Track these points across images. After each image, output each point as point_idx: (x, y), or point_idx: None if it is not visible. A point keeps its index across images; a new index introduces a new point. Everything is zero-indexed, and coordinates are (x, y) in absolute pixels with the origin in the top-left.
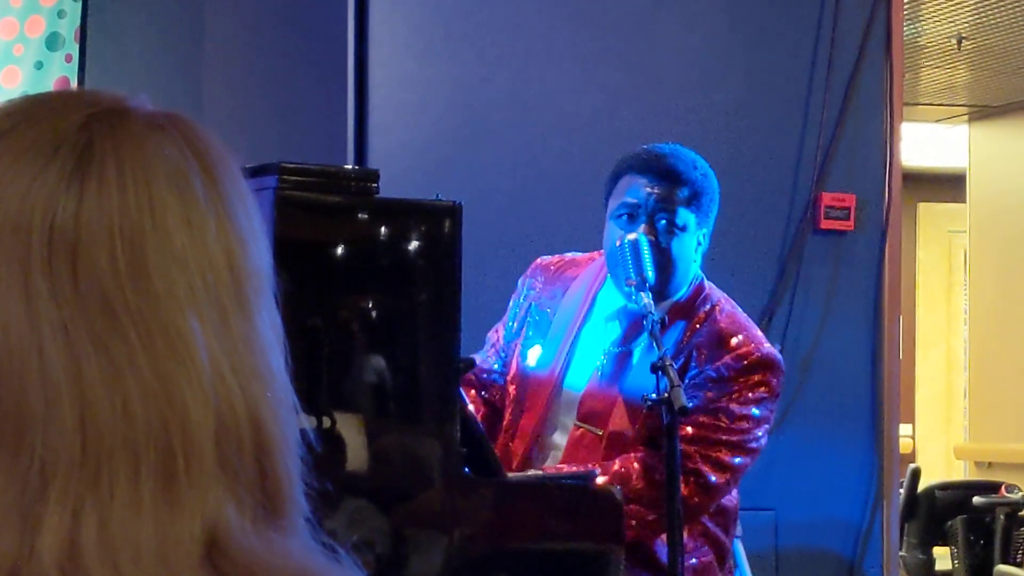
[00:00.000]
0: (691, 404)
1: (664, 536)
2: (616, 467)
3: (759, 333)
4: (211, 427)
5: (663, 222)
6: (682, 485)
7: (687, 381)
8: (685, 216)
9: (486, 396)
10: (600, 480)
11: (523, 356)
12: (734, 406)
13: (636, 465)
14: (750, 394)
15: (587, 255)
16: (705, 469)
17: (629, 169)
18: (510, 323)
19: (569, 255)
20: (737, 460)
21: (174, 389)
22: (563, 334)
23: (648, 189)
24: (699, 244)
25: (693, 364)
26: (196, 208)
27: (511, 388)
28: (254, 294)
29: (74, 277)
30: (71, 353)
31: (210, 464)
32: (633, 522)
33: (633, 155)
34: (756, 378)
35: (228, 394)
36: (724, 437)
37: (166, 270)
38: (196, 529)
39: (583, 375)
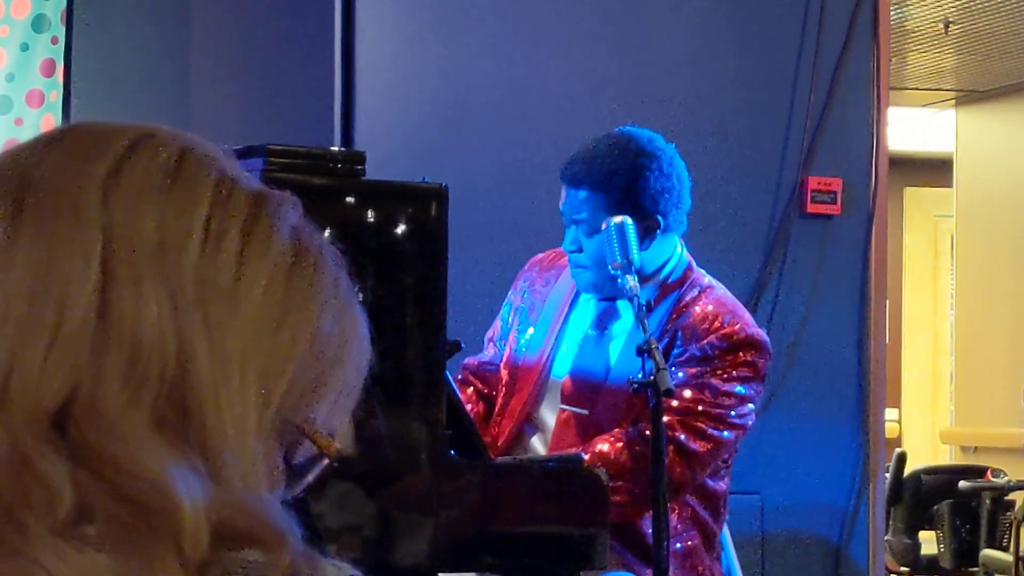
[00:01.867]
0: (674, 382)
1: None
2: (598, 447)
3: (747, 315)
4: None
5: (583, 228)
6: (685, 446)
7: (671, 360)
8: (591, 215)
9: (484, 391)
10: (584, 458)
11: (517, 341)
12: (716, 381)
13: (619, 444)
14: (734, 372)
15: None
16: (684, 437)
17: (560, 176)
18: (505, 315)
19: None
20: (717, 432)
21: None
22: (551, 318)
23: (565, 197)
24: (659, 228)
25: (678, 343)
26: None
27: (504, 373)
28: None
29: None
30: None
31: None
32: (618, 498)
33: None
34: (741, 357)
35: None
36: (705, 409)
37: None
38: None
39: (567, 358)
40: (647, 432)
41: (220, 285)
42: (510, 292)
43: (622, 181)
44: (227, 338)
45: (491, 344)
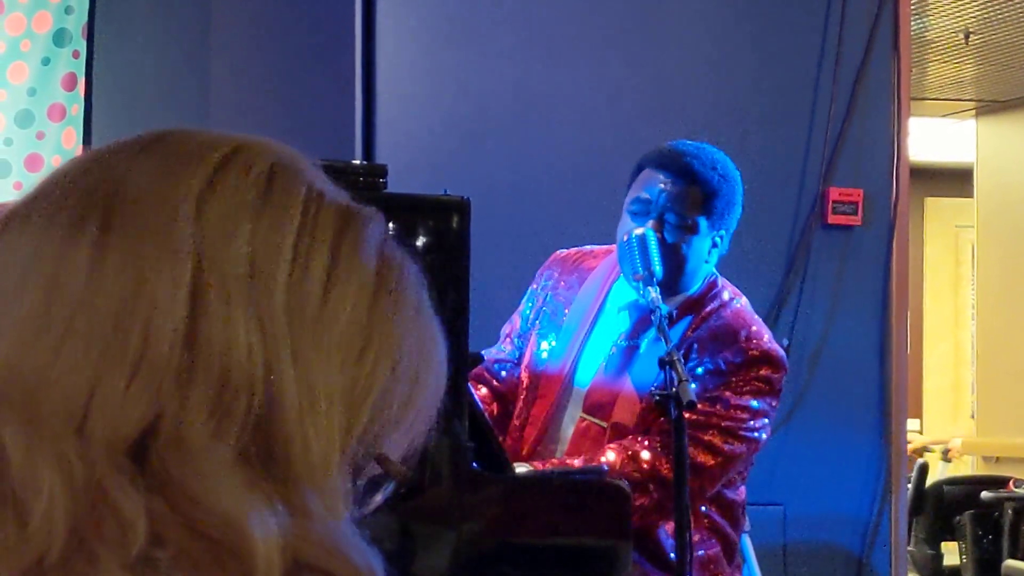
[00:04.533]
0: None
1: (668, 526)
2: (606, 456)
3: (764, 330)
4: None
5: (672, 220)
6: (671, 467)
7: (686, 371)
8: (695, 217)
9: (499, 389)
10: (606, 469)
11: (537, 346)
12: (729, 394)
13: (623, 456)
14: (747, 387)
15: (605, 247)
16: (693, 451)
17: (649, 163)
18: (526, 312)
19: (588, 247)
20: (728, 446)
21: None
22: (576, 326)
23: (662, 186)
24: (714, 245)
25: (694, 356)
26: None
27: (524, 376)
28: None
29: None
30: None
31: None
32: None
33: (657, 150)
34: (755, 372)
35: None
36: (716, 422)
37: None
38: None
39: (592, 367)
40: (656, 444)
41: (307, 310)
42: (532, 286)
43: (728, 196)
44: (313, 367)
45: (508, 339)
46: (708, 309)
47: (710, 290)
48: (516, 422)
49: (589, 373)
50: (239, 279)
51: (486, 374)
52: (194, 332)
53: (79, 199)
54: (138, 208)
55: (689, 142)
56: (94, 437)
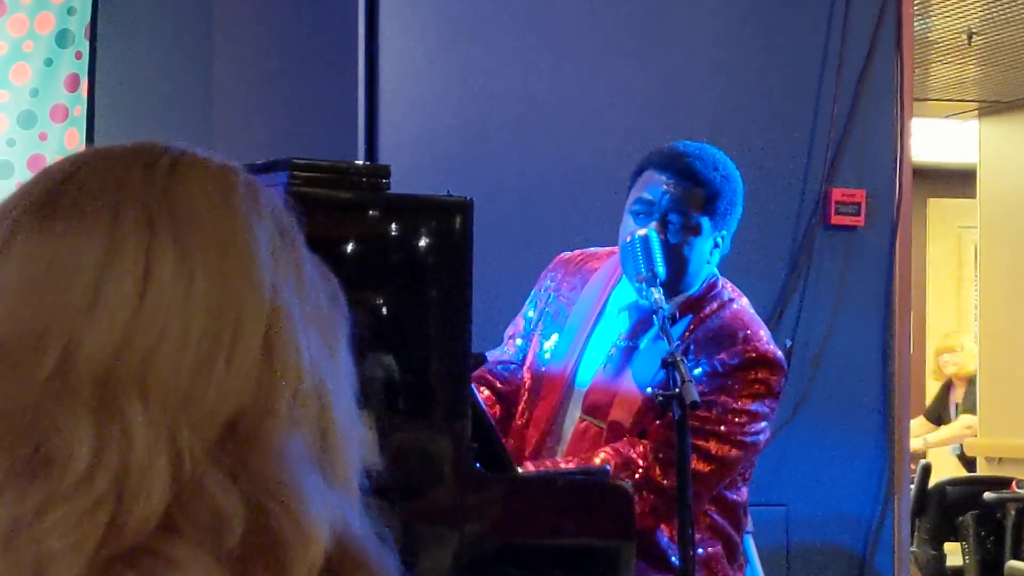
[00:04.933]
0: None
1: (664, 526)
2: (600, 457)
3: (763, 332)
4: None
5: (675, 221)
6: (668, 474)
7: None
8: (698, 217)
9: (502, 390)
10: (608, 469)
11: (540, 346)
12: (726, 398)
13: (617, 459)
14: (746, 390)
15: (608, 249)
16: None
17: (651, 164)
18: (529, 314)
19: (591, 249)
20: (725, 452)
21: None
22: (578, 326)
23: (664, 187)
24: (716, 246)
25: (691, 357)
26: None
27: (526, 376)
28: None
29: None
30: None
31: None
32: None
33: (658, 151)
34: (753, 375)
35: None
36: (712, 428)
37: None
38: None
39: (592, 368)
40: (650, 451)
41: (326, 314)
42: (535, 288)
43: (729, 196)
44: (339, 372)
45: (511, 341)
46: (708, 310)
47: (710, 290)
48: (519, 422)
49: (589, 374)
50: (296, 303)
51: (488, 376)
52: (273, 337)
53: (128, 208)
54: (202, 225)
55: (690, 143)
56: (192, 425)
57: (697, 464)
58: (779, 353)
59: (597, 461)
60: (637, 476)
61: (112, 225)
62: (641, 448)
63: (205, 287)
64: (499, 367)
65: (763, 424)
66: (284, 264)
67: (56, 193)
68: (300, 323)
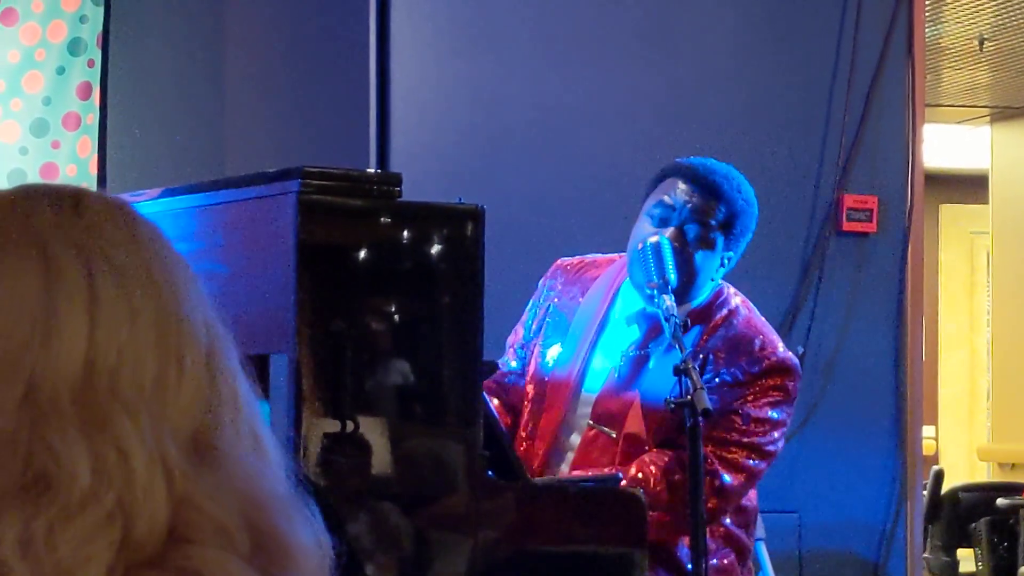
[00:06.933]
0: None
1: (684, 537)
2: (633, 471)
3: (776, 337)
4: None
5: (693, 232)
6: (669, 490)
7: (703, 384)
8: (714, 233)
9: (508, 402)
10: (621, 477)
11: (542, 356)
12: (749, 408)
13: (654, 469)
14: (765, 398)
15: (607, 256)
16: (720, 470)
17: (676, 172)
18: (529, 323)
19: (590, 256)
20: (752, 462)
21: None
22: (582, 335)
23: (686, 196)
24: (722, 265)
25: (709, 368)
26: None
27: (529, 388)
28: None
29: None
30: None
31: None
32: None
33: (686, 162)
34: (772, 382)
35: None
36: (738, 438)
37: None
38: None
39: (601, 375)
40: (661, 469)
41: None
42: (533, 298)
43: (745, 220)
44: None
45: (511, 350)
46: (718, 317)
47: (717, 298)
48: (523, 433)
49: (599, 381)
50: (213, 313)
51: (495, 387)
52: (213, 362)
53: (55, 243)
54: (128, 251)
55: (718, 161)
56: (170, 438)
57: (729, 475)
58: (795, 358)
59: (633, 470)
60: (675, 479)
61: (42, 261)
62: (653, 468)
63: (144, 304)
64: (505, 379)
65: (782, 431)
66: (193, 277)
67: None
68: (224, 333)
